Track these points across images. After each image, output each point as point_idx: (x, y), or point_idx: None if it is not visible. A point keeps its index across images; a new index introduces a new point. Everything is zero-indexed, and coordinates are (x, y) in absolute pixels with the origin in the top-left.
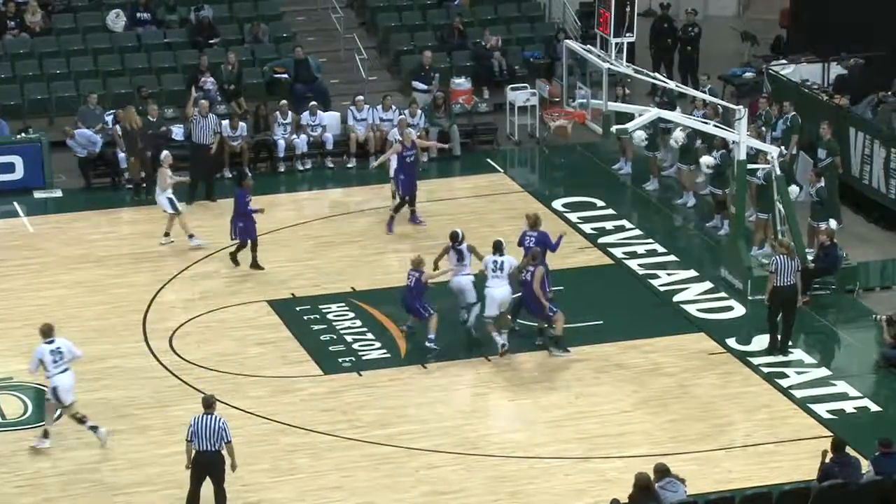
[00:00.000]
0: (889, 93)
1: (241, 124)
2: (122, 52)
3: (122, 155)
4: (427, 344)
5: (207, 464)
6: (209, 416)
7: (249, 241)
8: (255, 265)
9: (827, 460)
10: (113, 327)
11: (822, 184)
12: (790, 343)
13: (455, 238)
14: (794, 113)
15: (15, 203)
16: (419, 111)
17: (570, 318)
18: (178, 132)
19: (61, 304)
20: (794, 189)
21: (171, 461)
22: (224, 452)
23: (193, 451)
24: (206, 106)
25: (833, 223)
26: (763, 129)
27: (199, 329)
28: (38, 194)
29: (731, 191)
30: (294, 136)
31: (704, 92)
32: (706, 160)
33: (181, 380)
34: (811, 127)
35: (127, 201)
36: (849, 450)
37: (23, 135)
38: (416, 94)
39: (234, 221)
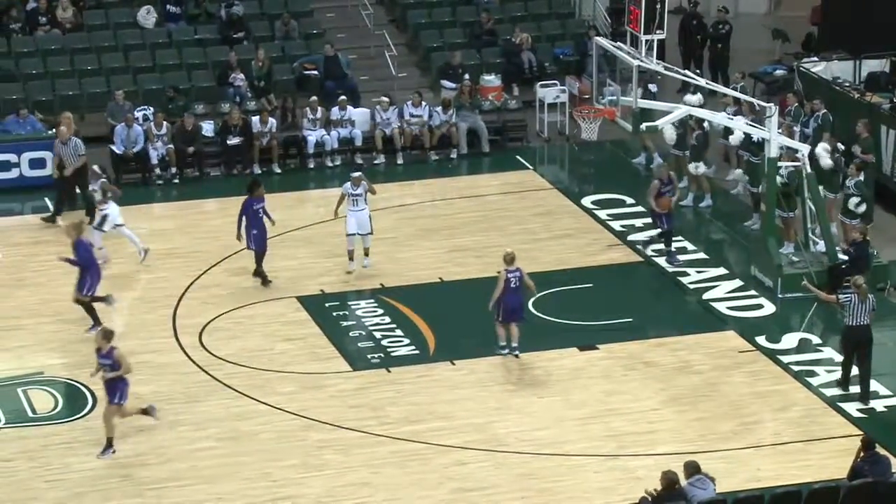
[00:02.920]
0: None
1: (271, 120)
2: (153, 49)
3: (153, 151)
4: (516, 353)
5: None
6: None
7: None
8: (257, 274)
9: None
10: (143, 323)
11: (861, 178)
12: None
13: None
14: (824, 111)
15: (46, 199)
16: (451, 110)
17: (599, 316)
18: (207, 129)
19: None
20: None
21: (200, 456)
22: None
23: None
24: (64, 133)
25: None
26: (793, 126)
27: (228, 325)
28: None
29: (762, 189)
30: (324, 132)
31: (736, 89)
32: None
33: (211, 375)
34: (842, 125)
35: (157, 197)
36: (879, 448)
37: (54, 131)
38: (445, 91)
39: (248, 229)
